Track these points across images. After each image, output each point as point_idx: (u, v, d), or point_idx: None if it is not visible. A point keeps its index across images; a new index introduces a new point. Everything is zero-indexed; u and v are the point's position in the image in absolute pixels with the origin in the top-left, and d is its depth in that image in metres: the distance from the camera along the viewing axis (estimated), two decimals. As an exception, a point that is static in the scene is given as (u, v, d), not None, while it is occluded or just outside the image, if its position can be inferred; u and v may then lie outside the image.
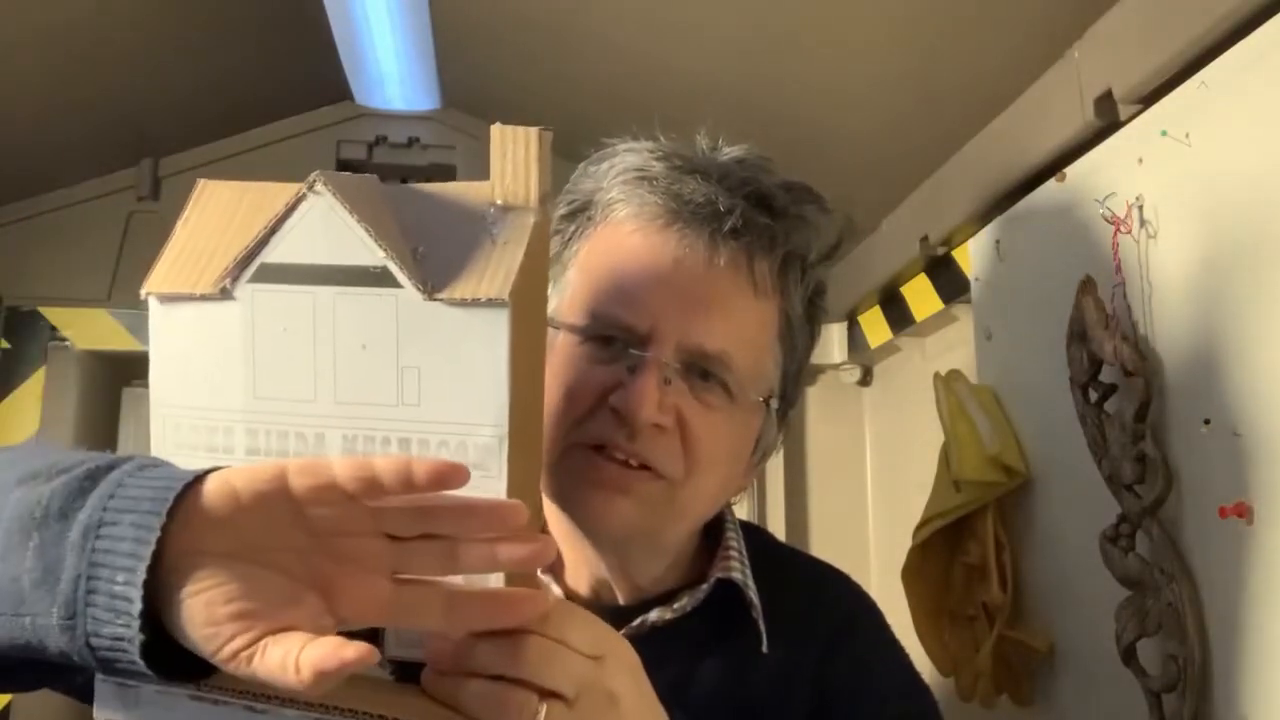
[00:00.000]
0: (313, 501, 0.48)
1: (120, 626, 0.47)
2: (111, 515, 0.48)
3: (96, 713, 0.54)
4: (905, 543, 1.28)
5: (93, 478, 0.50)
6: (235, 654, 0.47)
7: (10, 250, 1.87)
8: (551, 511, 0.76)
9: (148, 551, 0.46)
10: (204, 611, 0.47)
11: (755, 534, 0.89)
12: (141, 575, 0.46)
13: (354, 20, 1.63)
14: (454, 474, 0.48)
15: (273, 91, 1.88)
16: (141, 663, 0.47)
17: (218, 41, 1.66)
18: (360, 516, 0.50)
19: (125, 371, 2.01)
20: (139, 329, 1.85)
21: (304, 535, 0.49)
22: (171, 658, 0.48)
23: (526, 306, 0.54)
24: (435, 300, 0.53)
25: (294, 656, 0.46)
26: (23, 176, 1.82)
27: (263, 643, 0.47)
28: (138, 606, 0.46)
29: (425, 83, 1.87)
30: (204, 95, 1.78)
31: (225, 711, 0.52)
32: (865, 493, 1.92)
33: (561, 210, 0.80)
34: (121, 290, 1.86)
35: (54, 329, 1.86)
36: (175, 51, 1.63)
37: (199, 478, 0.48)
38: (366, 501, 0.49)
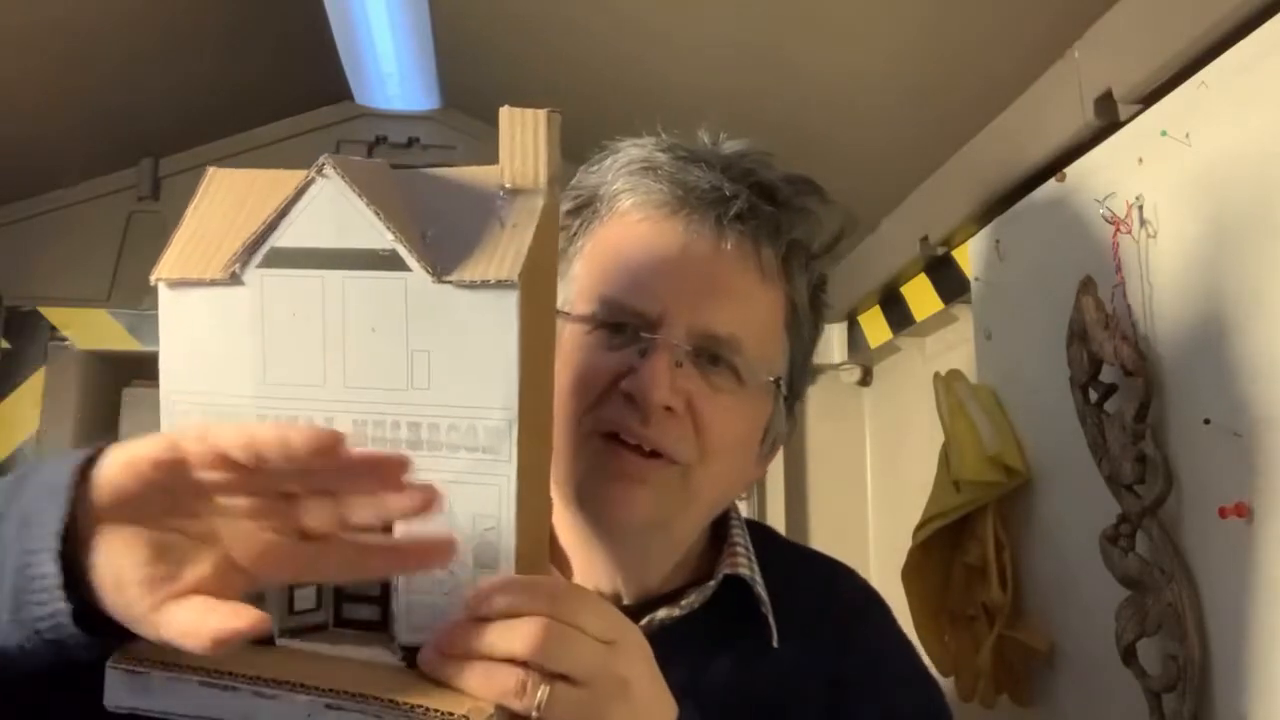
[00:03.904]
0: (205, 468, 0.49)
1: (52, 604, 0.49)
2: (34, 504, 0.50)
3: (107, 702, 0.53)
4: (905, 543, 1.28)
5: (21, 476, 0.52)
6: (142, 617, 0.49)
7: (10, 250, 1.87)
8: (562, 513, 0.76)
9: (56, 529, 0.48)
10: (113, 578, 0.49)
11: (761, 531, 0.89)
12: (54, 550, 0.48)
13: (354, 20, 1.63)
14: (331, 442, 0.48)
15: (273, 91, 1.88)
16: (80, 633, 0.49)
17: (218, 41, 1.66)
18: (254, 478, 0.50)
19: (125, 371, 2.01)
20: (139, 329, 1.85)
21: (203, 499, 0.50)
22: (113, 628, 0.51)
23: (536, 289, 0.54)
24: (444, 283, 0.53)
25: (195, 624, 0.48)
26: (23, 176, 1.82)
27: (166, 606, 0.48)
28: (55, 580, 0.48)
29: (425, 83, 1.87)
30: (204, 95, 1.78)
31: (234, 697, 0.52)
32: (865, 493, 1.92)
33: (566, 206, 0.80)
34: (121, 290, 1.86)
35: (54, 329, 1.86)
36: (175, 51, 1.63)
37: (100, 452, 0.50)
38: (255, 466, 0.49)
